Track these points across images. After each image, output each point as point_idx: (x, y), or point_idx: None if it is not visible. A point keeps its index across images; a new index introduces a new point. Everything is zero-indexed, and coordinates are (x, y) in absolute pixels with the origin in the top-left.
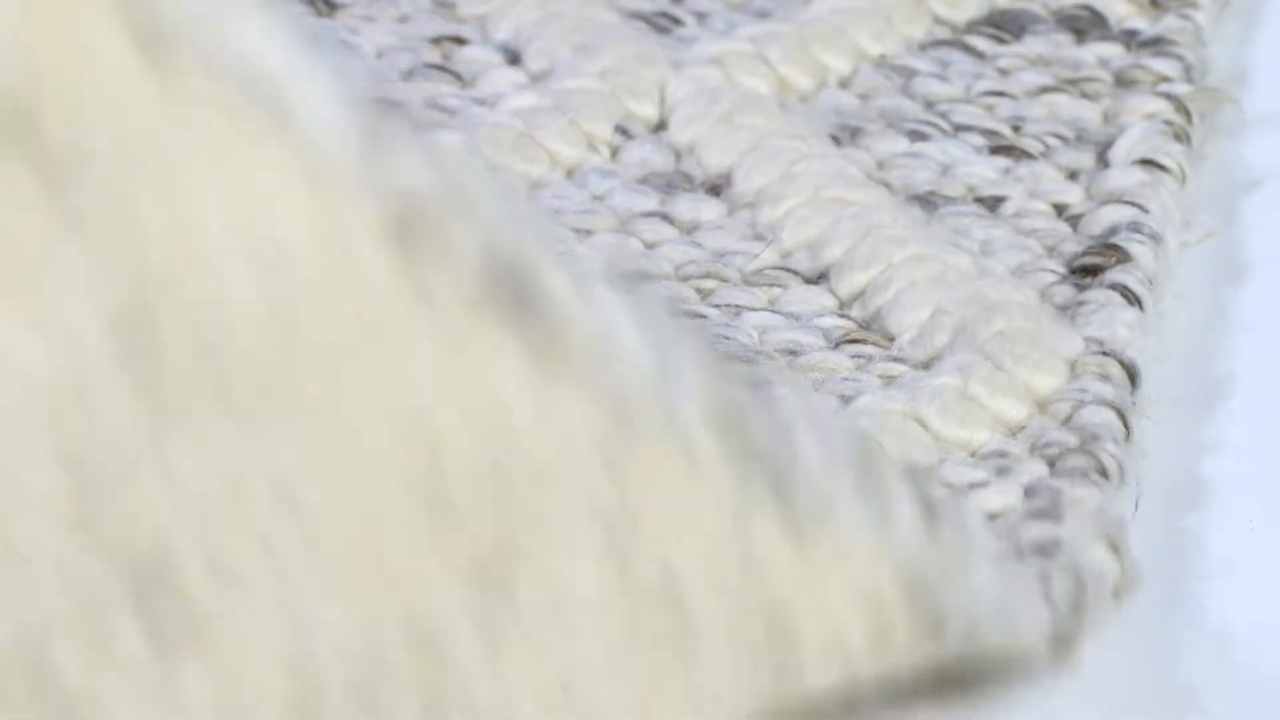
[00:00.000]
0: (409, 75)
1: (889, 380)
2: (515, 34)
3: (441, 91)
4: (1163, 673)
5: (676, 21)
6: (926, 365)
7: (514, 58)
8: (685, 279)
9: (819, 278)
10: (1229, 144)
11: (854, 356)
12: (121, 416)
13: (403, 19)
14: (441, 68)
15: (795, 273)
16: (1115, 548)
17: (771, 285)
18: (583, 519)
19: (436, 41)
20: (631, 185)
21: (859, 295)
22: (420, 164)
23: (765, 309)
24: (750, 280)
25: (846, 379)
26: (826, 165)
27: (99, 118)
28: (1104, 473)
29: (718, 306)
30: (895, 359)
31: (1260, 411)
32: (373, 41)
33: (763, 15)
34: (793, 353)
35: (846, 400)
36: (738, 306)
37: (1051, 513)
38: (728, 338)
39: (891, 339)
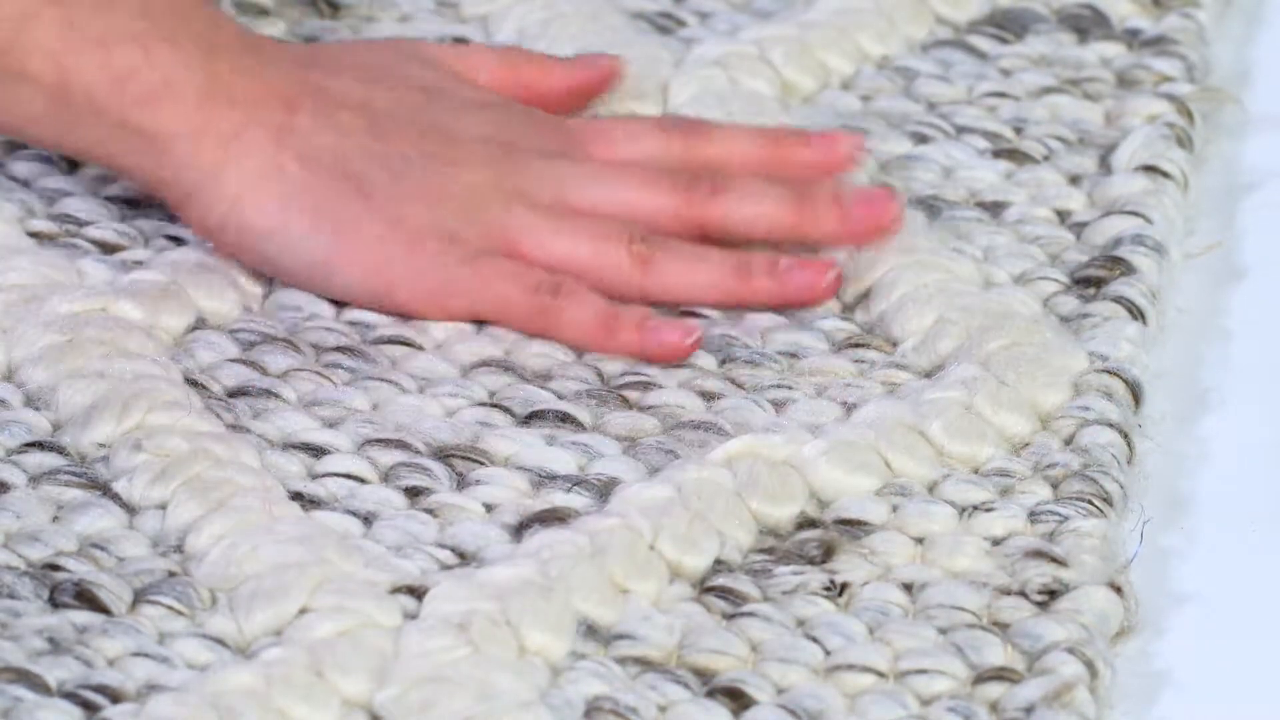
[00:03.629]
0: None
1: (891, 387)
2: (519, 34)
3: None
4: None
5: (680, 22)
6: (929, 374)
7: None
8: None
9: None
10: (1230, 144)
11: (856, 361)
12: None
13: (405, 19)
14: None
15: None
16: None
17: None
18: None
19: (439, 42)
20: None
21: (862, 298)
22: None
23: (768, 310)
24: None
25: (849, 384)
26: None
27: None
28: (1108, 499)
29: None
30: (898, 365)
31: (1260, 416)
32: None
33: (765, 16)
34: (794, 355)
35: (849, 408)
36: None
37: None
38: (731, 337)
39: (895, 344)
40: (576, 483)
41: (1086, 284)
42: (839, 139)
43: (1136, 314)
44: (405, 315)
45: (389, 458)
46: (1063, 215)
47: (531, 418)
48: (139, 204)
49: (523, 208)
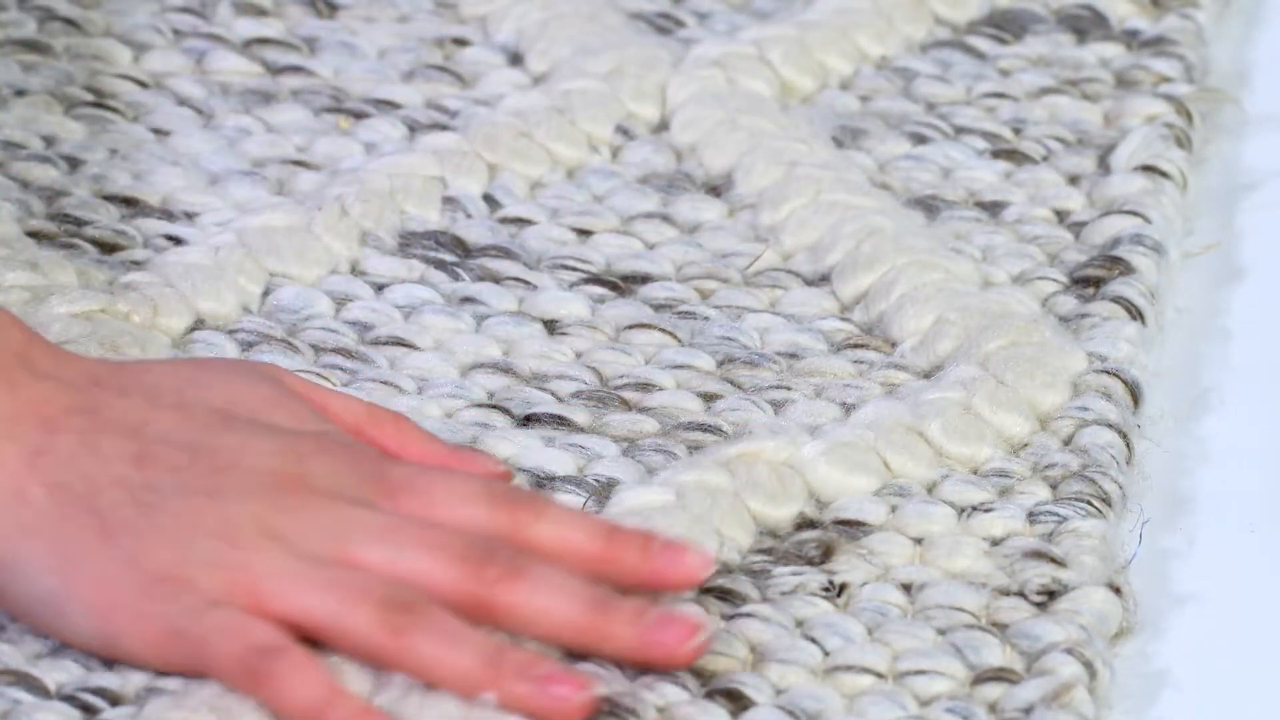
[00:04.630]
0: (410, 76)
1: (891, 388)
2: (517, 35)
3: (442, 92)
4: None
5: (678, 23)
6: (928, 374)
7: (515, 58)
8: (686, 279)
9: (820, 280)
10: (1229, 144)
11: (855, 362)
12: None
13: (404, 19)
14: (443, 68)
15: (797, 274)
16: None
17: (773, 287)
18: None
19: (438, 42)
20: (632, 185)
21: (861, 298)
22: None
23: (766, 310)
24: (751, 281)
25: (848, 385)
26: (827, 167)
27: None
28: (1106, 500)
29: (719, 308)
30: (897, 366)
31: (1260, 416)
32: (374, 42)
33: (764, 16)
34: (793, 355)
35: (848, 408)
36: (739, 308)
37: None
38: (730, 338)
39: (893, 345)
40: (575, 484)
41: (1085, 284)
42: (685, 555)
43: (1135, 314)
44: (133, 664)
45: None
46: (1061, 215)
47: (530, 419)
48: (139, 203)
49: (278, 551)
